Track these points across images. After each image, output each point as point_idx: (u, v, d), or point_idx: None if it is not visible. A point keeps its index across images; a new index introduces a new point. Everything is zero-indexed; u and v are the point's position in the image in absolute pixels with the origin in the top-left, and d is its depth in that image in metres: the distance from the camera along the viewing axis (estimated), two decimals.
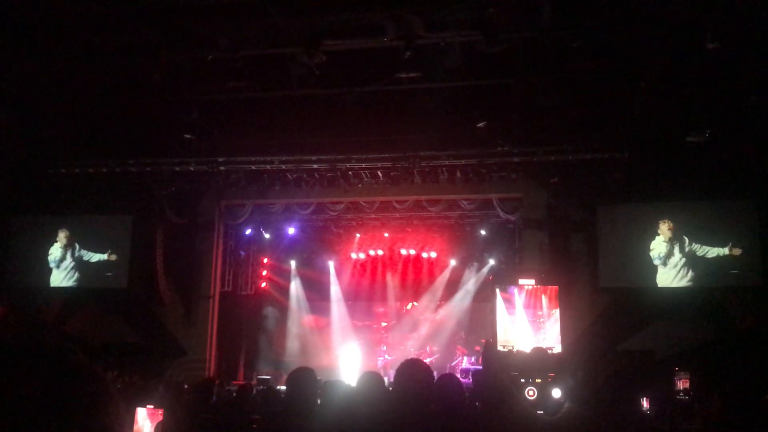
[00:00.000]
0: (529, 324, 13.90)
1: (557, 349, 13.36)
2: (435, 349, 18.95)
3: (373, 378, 3.94)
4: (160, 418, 5.83)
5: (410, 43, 9.56)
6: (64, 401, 0.94)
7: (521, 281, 14.16)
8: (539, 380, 8.97)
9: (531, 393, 8.87)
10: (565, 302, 13.93)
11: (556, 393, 8.00)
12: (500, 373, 2.79)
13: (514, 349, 13.23)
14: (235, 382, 15.05)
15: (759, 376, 11.00)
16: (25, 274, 15.37)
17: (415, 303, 20.20)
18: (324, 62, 9.83)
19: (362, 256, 20.11)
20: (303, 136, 13.48)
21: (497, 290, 14.26)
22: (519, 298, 13.99)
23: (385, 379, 5.08)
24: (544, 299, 13.92)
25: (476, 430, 3.04)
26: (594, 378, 3.38)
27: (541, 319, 13.88)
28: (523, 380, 9.01)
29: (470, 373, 14.88)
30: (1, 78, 10.92)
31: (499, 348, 13.19)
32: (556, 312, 13.80)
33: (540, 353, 10.53)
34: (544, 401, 8.32)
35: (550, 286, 13.97)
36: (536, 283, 14.03)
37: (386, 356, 18.06)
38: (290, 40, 9.72)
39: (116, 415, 1.00)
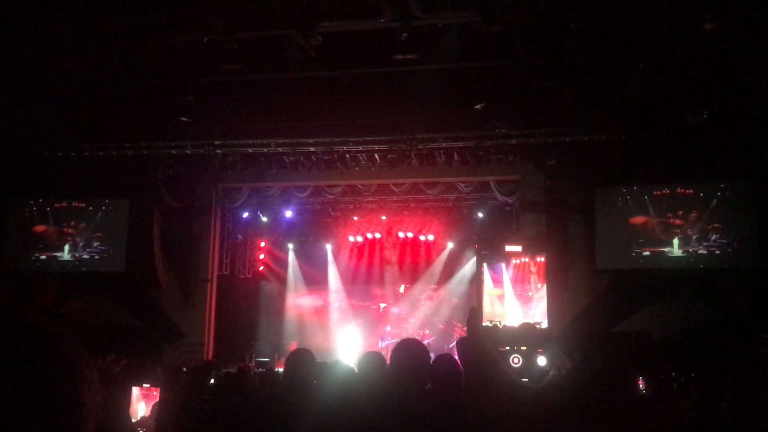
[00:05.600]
0: (517, 299, 13.93)
1: (545, 324, 13.37)
2: (432, 331, 19.03)
3: (374, 358, 3.96)
4: (156, 398, 5.87)
5: (407, 24, 9.50)
6: (23, 367, 0.93)
7: (508, 248, 14.16)
8: (524, 348, 9.01)
9: (516, 360, 8.91)
10: (554, 275, 13.96)
11: (542, 361, 8.04)
12: (485, 339, 2.79)
13: (501, 325, 13.22)
14: (233, 365, 15.10)
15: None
16: (22, 257, 15.37)
17: (407, 285, 20.21)
18: (320, 44, 9.78)
19: (360, 239, 20.11)
20: (300, 119, 13.44)
21: (484, 264, 14.29)
22: (506, 273, 14.02)
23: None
24: (532, 273, 13.97)
25: (462, 406, 3.05)
26: (591, 358, 3.41)
27: (529, 293, 13.92)
28: (508, 347, 9.04)
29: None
30: None
31: (487, 324, 13.14)
32: (545, 286, 13.84)
33: (528, 328, 10.57)
34: (529, 369, 8.36)
35: (538, 260, 13.99)
36: (523, 250, 14.04)
37: (390, 338, 18.12)
38: (286, 22, 9.66)
39: (88, 383, 0.98)
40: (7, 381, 0.90)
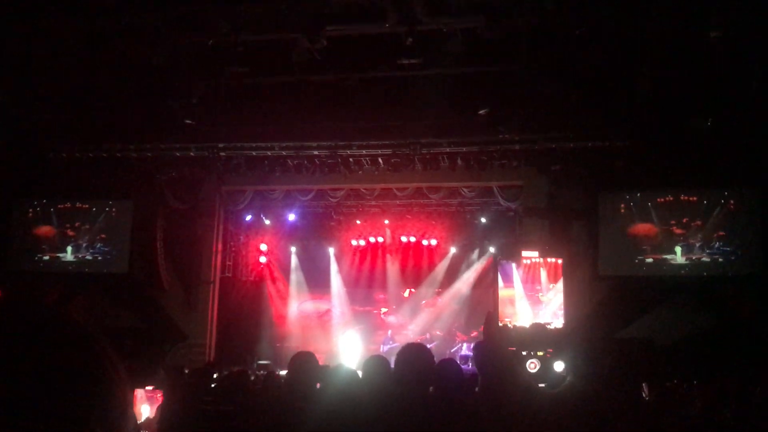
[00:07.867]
0: (527, 299, 13.90)
1: (556, 324, 13.33)
2: (434, 335, 19.00)
3: (378, 361, 3.96)
4: (161, 400, 5.86)
5: (412, 28, 9.50)
6: (61, 375, 0.91)
7: (524, 253, 14.14)
8: (541, 353, 8.97)
9: (533, 366, 8.87)
10: (567, 280, 13.89)
11: (559, 366, 7.99)
12: (501, 345, 2.78)
13: (511, 325, 13.23)
14: (235, 368, 15.09)
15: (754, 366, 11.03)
16: (25, 258, 15.38)
17: (412, 290, 20.22)
18: (325, 48, 9.78)
19: (362, 242, 20.11)
20: (304, 122, 13.43)
21: (497, 268, 14.28)
22: (517, 273, 13.99)
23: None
24: (543, 274, 13.91)
25: (476, 411, 3.04)
26: (598, 362, 3.38)
27: (539, 294, 13.88)
28: (525, 353, 9.00)
29: (471, 347, 14.86)
30: (1, 62, 10.86)
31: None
32: (556, 287, 13.79)
33: (538, 329, 10.54)
34: (546, 374, 8.32)
35: (552, 261, 13.94)
36: (539, 255, 13.98)
37: (391, 342, 18.10)
38: (292, 25, 9.66)
39: (123, 391, 0.98)
40: (64, 383, 0.89)
